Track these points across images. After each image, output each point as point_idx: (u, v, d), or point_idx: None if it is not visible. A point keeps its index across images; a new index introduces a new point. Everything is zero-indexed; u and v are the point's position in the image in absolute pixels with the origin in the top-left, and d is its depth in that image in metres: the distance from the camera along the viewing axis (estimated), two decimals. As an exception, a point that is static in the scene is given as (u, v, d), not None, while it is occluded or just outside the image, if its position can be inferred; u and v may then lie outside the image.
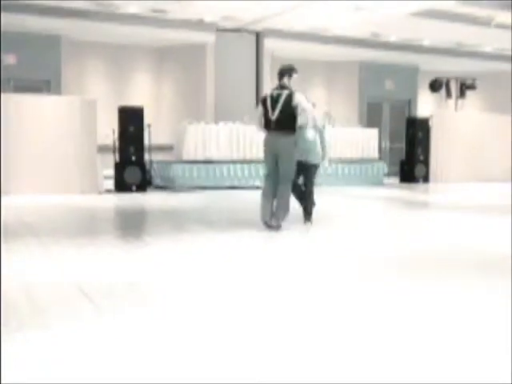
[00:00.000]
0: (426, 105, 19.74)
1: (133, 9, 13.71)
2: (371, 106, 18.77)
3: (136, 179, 12.07)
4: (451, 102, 17.83)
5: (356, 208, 10.04)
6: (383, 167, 15.07)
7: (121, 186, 11.98)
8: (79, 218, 8.46)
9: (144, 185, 12.22)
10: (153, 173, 13.17)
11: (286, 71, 6.92)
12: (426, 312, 3.59)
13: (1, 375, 2.50)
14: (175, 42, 15.72)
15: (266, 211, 6.92)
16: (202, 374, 2.62)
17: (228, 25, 15.29)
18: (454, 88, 17.46)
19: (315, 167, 7.48)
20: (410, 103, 19.44)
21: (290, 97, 6.78)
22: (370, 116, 18.59)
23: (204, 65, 15.68)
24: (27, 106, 11.03)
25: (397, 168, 16.42)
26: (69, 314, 3.50)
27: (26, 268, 4.76)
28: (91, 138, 11.49)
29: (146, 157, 12.54)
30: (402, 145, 16.77)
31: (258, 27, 15.61)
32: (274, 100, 6.83)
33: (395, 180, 15.97)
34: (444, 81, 17.20)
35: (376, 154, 15.20)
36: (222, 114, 15.03)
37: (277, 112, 6.80)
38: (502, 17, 14.15)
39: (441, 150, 15.71)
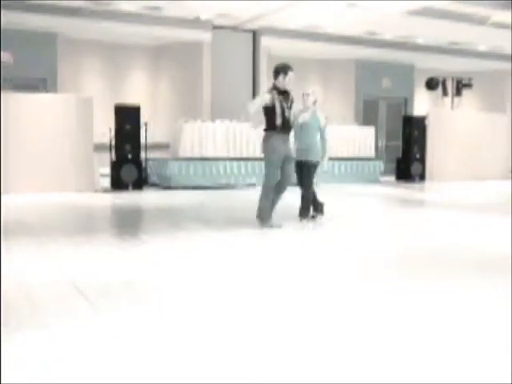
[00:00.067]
0: (422, 103, 19.77)
1: (129, 7, 13.70)
2: (367, 104, 18.79)
3: (132, 177, 12.07)
4: (447, 100, 17.86)
5: (353, 206, 10.05)
6: (379, 165, 15.11)
7: (117, 184, 11.98)
8: (76, 216, 8.45)
9: (140, 183, 12.22)
10: (149, 171, 13.18)
11: (281, 69, 6.92)
12: (426, 312, 3.59)
13: (1, 375, 2.51)
14: (171, 40, 15.71)
15: (268, 212, 6.98)
16: (200, 373, 2.63)
17: (224, 23, 15.28)
18: (451, 86, 17.48)
19: (314, 167, 7.50)
20: (407, 101, 19.47)
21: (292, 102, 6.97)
22: (367, 114, 18.61)
23: (200, 63, 15.66)
24: (23, 104, 11.02)
25: (393, 166, 16.47)
26: (66, 312, 3.50)
27: (22, 267, 4.75)
28: (87, 136, 11.49)
29: (143, 155, 12.53)
30: (399, 143, 16.82)
31: (255, 25, 15.61)
32: (289, 103, 6.92)
33: (391, 178, 16.00)
34: (440, 79, 17.23)
35: (372, 152, 15.23)
36: (218, 112, 15.03)
37: (287, 114, 6.88)
38: (498, 15, 14.18)
39: (437, 149, 15.74)
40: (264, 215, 6.96)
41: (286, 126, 6.89)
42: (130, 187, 11.99)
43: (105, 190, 11.76)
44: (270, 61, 15.53)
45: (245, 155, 13.27)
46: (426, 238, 6.49)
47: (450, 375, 2.61)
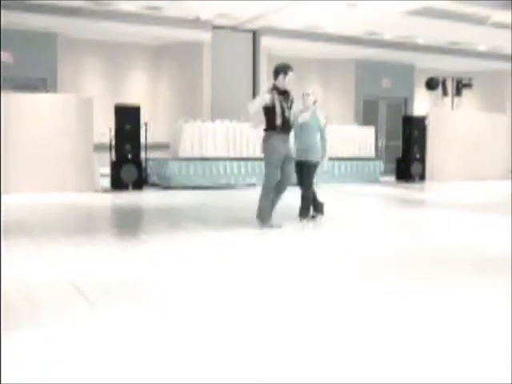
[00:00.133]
0: (422, 103, 19.77)
1: (129, 7, 13.70)
2: (367, 104, 18.79)
3: (132, 177, 12.07)
4: (447, 100, 17.86)
5: (353, 206, 10.05)
6: (379, 165, 15.11)
7: (117, 184, 11.98)
8: (75, 216, 8.45)
9: (140, 183, 12.22)
10: (149, 171, 13.18)
11: (281, 69, 6.92)
12: (426, 312, 3.59)
13: (0, 375, 2.51)
14: (171, 40, 15.71)
15: (268, 212, 7.00)
16: (199, 373, 2.63)
17: (224, 23, 15.29)
18: (451, 86, 17.48)
19: (314, 167, 7.51)
20: (407, 101, 19.47)
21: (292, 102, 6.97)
22: (367, 114, 18.61)
23: (200, 63, 15.66)
24: (23, 104, 11.02)
25: (393, 166, 16.47)
26: (65, 312, 3.50)
27: (22, 266, 4.76)
28: (87, 136, 11.49)
29: (143, 155, 12.53)
30: (399, 143, 16.81)
31: (255, 25, 15.61)
32: (289, 103, 6.93)
33: (391, 178, 16.00)
34: (440, 79, 17.22)
35: (372, 152, 15.23)
36: (218, 112, 15.03)
37: (287, 114, 6.90)
38: (498, 15, 14.18)
39: (437, 149, 15.74)
40: (264, 215, 6.96)
41: (286, 126, 6.88)
42: (130, 187, 11.99)
43: (105, 190, 11.76)
44: (270, 61, 15.53)
45: (245, 155, 13.27)
46: (426, 238, 6.48)
47: (450, 375, 2.61)
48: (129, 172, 12.05)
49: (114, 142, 12.15)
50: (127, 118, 12.08)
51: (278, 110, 6.79)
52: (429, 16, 14.20)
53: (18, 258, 5.12)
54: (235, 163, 13.10)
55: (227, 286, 4.23)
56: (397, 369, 2.68)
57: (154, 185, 12.99)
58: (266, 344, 2.99)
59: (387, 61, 18.51)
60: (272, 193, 6.96)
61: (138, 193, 11.67)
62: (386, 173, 15.83)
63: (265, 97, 6.90)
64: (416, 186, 14.56)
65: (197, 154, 12.93)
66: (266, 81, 15.26)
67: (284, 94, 6.89)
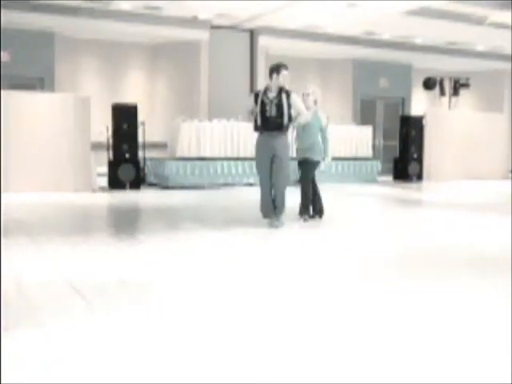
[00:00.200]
0: (419, 103, 19.78)
1: (126, 6, 13.68)
2: (365, 103, 18.78)
3: (130, 177, 12.06)
4: (445, 100, 17.87)
5: (351, 206, 10.06)
6: (377, 165, 15.11)
7: (114, 183, 11.96)
8: (73, 215, 8.44)
9: (138, 182, 12.20)
10: (146, 170, 13.16)
11: (274, 69, 7.01)
12: (426, 312, 3.59)
13: (0, 375, 2.50)
14: (169, 39, 15.69)
15: (264, 209, 7.08)
16: (198, 373, 2.62)
17: (222, 22, 15.27)
18: (448, 86, 17.49)
19: (314, 164, 7.53)
20: (404, 101, 19.47)
21: (288, 96, 6.94)
22: (364, 114, 18.62)
23: (198, 62, 15.65)
24: (20, 104, 10.99)
25: (390, 166, 16.47)
26: (62, 312, 3.49)
27: (19, 266, 4.74)
28: (85, 136, 11.46)
29: (140, 154, 12.52)
30: (396, 143, 16.82)
31: (252, 25, 15.60)
32: (274, 103, 6.92)
33: (388, 178, 16.01)
34: (438, 79, 17.23)
35: (370, 152, 15.24)
36: (215, 112, 15.01)
37: (269, 113, 6.93)
38: (496, 15, 14.19)
39: (434, 148, 15.75)
40: (262, 211, 7.11)
41: (270, 125, 6.93)
42: (128, 187, 11.98)
43: (102, 190, 11.74)
44: (267, 60, 15.52)
45: (242, 155, 13.27)
46: (425, 238, 6.48)
47: (450, 375, 2.60)
48: (126, 171, 12.03)
49: (111, 142, 12.13)
50: (125, 118, 12.06)
51: (258, 111, 6.94)
52: (427, 16, 14.20)
53: (16, 257, 5.10)
54: (233, 163, 13.09)
55: (226, 285, 4.22)
56: (397, 369, 2.68)
57: (152, 184, 12.98)
58: (265, 344, 2.99)
59: (385, 61, 18.51)
60: (265, 192, 7.07)
61: (136, 192, 11.65)
62: (383, 172, 15.83)
63: (248, 104, 7.16)
64: (413, 185, 14.56)
65: (194, 154, 12.92)
66: (263, 81, 15.24)
67: (279, 92, 6.91)
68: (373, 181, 14.85)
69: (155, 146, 13.99)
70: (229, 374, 2.59)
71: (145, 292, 4.01)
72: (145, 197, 11.06)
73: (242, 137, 13.26)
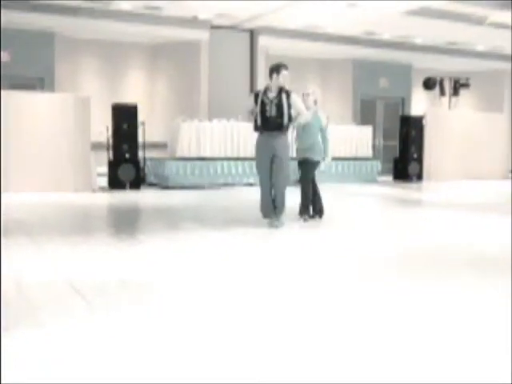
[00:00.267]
0: (419, 103, 19.78)
1: (127, 6, 13.67)
2: (365, 103, 18.78)
3: (130, 177, 12.05)
4: (445, 100, 17.86)
5: (351, 206, 10.06)
6: (377, 165, 15.11)
7: (114, 183, 11.96)
8: (73, 215, 8.43)
9: (138, 182, 12.20)
10: (146, 170, 13.16)
11: (274, 69, 7.02)
12: (426, 312, 3.59)
13: (0, 375, 2.50)
14: (169, 39, 15.69)
15: (264, 209, 7.12)
16: (198, 373, 2.62)
17: (222, 22, 15.27)
18: (448, 86, 17.49)
19: (314, 164, 7.54)
20: (404, 101, 19.47)
21: (288, 96, 6.95)
22: (364, 114, 18.61)
23: (198, 62, 15.65)
24: (20, 103, 10.99)
25: (390, 166, 16.47)
26: (62, 311, 3.49)
27: (19, 266, 4.74)
28: (85, 136, 11.46)
29: (140, 154, 12.51)
30: (396, 143, 16.82)
31: (253, 25, 15.60)
32: (274, 103, 6.94)
33: (389, 178, 16.00)
34: (438, 79, 17.23)
35: (370, 152, 15.23)
36: (215, 112, 15.01)
37: (269, 114, 6.95)
38: (496, 15, 14.19)
39: (434, 148, 15.75)
40: (262, 212, 7.15)
41: (269, 125, 6.94)
42: (128, 187, 11.98)
43: (102, 190, 11.74)
44: (267, 60, 15.52)
45: (242, 155, 13.27)
46: (426, 238, 6.48)
47: (450, 375, 2.60)
48: (126, 171, 12.03)
49: (111, 142, 12.13)
50: (125, 118, 12.06)
51: (258, 110, 6.96)
52: (427, 16, 14.20)
53: (16, 257, 5.10)
54: (233, 163, 13.09)
55: (226, 285, 4.22)
56: (397, 369, 2.67)
57: (152, 184, 12.98)
58: (265, 344, 2.99)
59: (385, 60, 18.51)
60: (265, 192, 7.09)
61: (136, 192, 11.65)
62: (383, 172, 15.83)
63: (248, 103, 7.19)
64: (413, 185, 14.56)
65: (194, 154, 12.92)
66: (263, 81, 15.24)
67: (279, 92, 6.92)
68: (373, 181, 14.85)
69: (155, 146, 13.99)
70: (229, 374, 2.59)
71: (145, 292, 4.01)
72: (145, 197, 11.06)
73: (242, 137, 13.26)
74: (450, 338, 3.11)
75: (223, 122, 13.40)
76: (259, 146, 7.08)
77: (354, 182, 14.30)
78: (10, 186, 10.58)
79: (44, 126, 11.15)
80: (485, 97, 20.31)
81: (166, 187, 12.38)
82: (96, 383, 2.49)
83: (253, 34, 16.16)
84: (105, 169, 12.21)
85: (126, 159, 12.06)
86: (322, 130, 7.55)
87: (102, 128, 12.30)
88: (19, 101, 10.99)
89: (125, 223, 7.99)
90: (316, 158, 7.53)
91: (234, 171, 13.07)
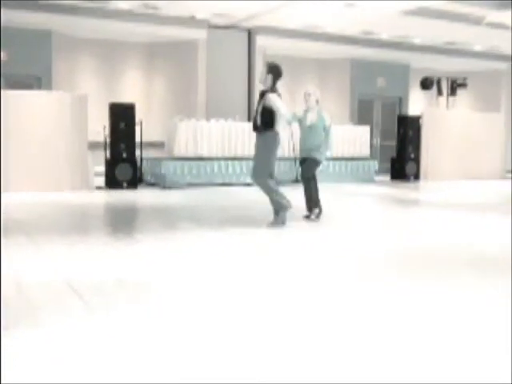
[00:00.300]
0: (417, 103, 19.79)
1: (124, 5, 13.66)
2: (362, 103, 18.79)
3: (127, 176, 12.04)
4: (442, 100, 17.89)
5: (349, 205, 10.06)
6: (374, 165, 15.12)
7: (112, 182, 11.95)
8: (70, 215, 8.42)
9: (135, 182, 12.19)
10: (144, 170, 13.15)
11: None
12: (426, 312, 3.59)
13: (0, 375, 2.49)
14: (167, 39, 15.68)
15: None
16: (196, 372, 2.62)
17: (220, 22, 15.26)
18: (445, 86, 17.51)
19: (316, 163, 7.58)
20: (401, 101, 19.48)
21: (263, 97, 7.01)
22: (361, 113, 18.62)
23: (195, 62, 15.64)
24: (17, 102, 10.96)
25: (387, 165, 16.48)
26: (60, 311, 3.49)
27: (17, 265, 4.73)
28: (82, 135, 11.45)
29: (137, 154, 12.50)
30: (393, 142, 16.82)
31: (250, 24, 15.59)
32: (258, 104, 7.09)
33: (386, 177, 16.01)
34: (435, 79, 17.24)
35: (367, 152, 15.24)
36: (213, 111, 15.01)
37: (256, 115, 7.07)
38: (493, 15, 14.20)
39: (431, 148, 15.77)
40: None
41: (254, 127, 7.06)
42: (125, 186, 11.96)
43: (99, 189, 11.73)
44: (265, 60, 15.50)
45: (240, 154, 13.26)
46: (424, 238, 6.48)
47: (450, 375, 2.60)
48: (123, 171, 12.01)
49: (108, 141, 12.12)
50: (122, 117, 12.05)
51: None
52: (425, 16, 14.22)
53: (13, 256, 5.09)
54: (230, 162, 13.08)
55: (223, 285, 4.22)
56: (397, 369, 2.67)
57: (149, 184, 12.96)
58: (264, 343, 2.98)
59: (383, 60, 18.51)
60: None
61: (133, 192, 11.64)
62: (380, 172, 15.84)
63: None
64: (411, 185, 14.57)
65: (192, 153, 12.91)
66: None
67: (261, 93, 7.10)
68: (370, 180, 14.86)
69: (152, 145, 13.98)
70: (226, 374, 2.58)
71: (142, 291, 4.00)
72: (142, 196, 11.05)
73: (240, 137, 13.25)
74: (449, 337, 3.11)
75: (221, 121, 13.39)
76: None
77: (351, 182, 14.30)
78: (5, 186, 10.54)
79: (41, 125, 11.13)
80: (482, 97, 20.33)
81: (164, 187, 12.37)
82: (95, 383, 2.48)
83: (250, 34, 16.16)
84: (102, 168, 12.20)
85: (124, 158, 12.05)
86: (326, 130, 7.58)
87: (100, 127, 12.28)
88: (16, 100, 10.96)
89: (122, 222, 7.98)
90: (319, 157, 7.57)
91: (231, 171, 13.07)
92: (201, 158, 12.91)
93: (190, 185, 12.51)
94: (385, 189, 13.28)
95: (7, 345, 2.87)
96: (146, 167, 13.18)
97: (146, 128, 13.38)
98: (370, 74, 18.64)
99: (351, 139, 14.89)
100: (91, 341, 2.98)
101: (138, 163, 12.58)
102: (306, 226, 7.26)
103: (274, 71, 7.00)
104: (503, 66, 19.42)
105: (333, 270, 4.82)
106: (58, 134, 11.24)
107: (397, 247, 5.87)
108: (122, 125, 12.02)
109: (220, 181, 12.95)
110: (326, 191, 11.37)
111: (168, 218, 8.19)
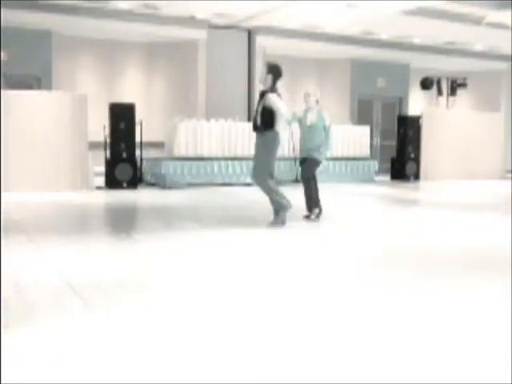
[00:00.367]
0: (416, 103, 19.79)
1: (124, 5, 13.66)
2: (362, 103, 18.78)
3: (127, 176, 12.04)
4: (442, 99, 17.88)
5: (348, 205, 10.05)
6: (374, 165, 15.12)
7: (112, 182, 11.94)
8: (70, 214, 8.42)
9: (135, 182, 12.19)
10: (144, 170, 13.14)
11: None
12: (426, 311, 3.59)
13: (1, 375, 2.49)
14: (167, 39, 15.67)
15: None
16: (194, 371, 2.62)
17: (220, 22, 15.26)
18: (445, 86, 17.50)
19: (317, 163, 7.59)
20: (401, 101, 19.48)
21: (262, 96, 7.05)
22: (361, 113, 18.61)
23: (195, 61, 15.63)
24: (17, 103, 10.96)
25: (387, 165, 16.47)
26: (60, 311, 3.49)
27: (17, 265, 4.73)
28: (82, 135, 11.45)
29: (137, 153, 12.50)
30: (393, 142, 16.81)
31: (250, 24, 15.59)
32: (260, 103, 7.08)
33: (386, 177, 16.00)
34: (435, 79, 17.24)
35: (367, 152, 15.23)
36: (213, 111, 15.01)
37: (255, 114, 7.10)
38: (493, 15, 14.20)
39: (431, 148, 15.77)
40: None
41: (254, 127, 7.11)
42: (125, 186, 11.96)
43: (99, 189, 11.72)
44: (265, 60, 15.50)
45: (240, 154, 13.26)
46: (424, 238, 6.48)
47: (450, 375, 2.60)
48: (123, 171, 12.01)
49: (108, 141, 12.12)
50: (122, 117, 12.04)
51: None
52: (425, 16, 14.22)
53: (12, 256, 5.09)
54: (230, 162, 13.08)
55: (223, 285, 4.22)
56: (396, 369, 2.67)
57: (149, 184, 12.96)
58: (264, 343, 2.98)
59: (383, 60, 18.51)
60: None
61: (133, 191, 11.64)
62: (380, 172, 15.83)
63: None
64: (411, 185, 14.57)
65: (192, 153, 12.91)
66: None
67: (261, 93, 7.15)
68: (370, 180, 14.85)
69: (152, 145, 13.97)
70: (226, 374, 2.58)
71: (142, 291, 4.00)
72: (142, 196, 11.05)
73: (240, 137, 13.25)
74: (449, 337, 3.11)
75: (221, 121, 13.39)
76: None
77: (351, 182, 14.30)
78: (5, 185, 10.54)
79: (41, 125, 11.12)
80: (482, 97, 20.33)
81: (164, 186, 12.37)
82: (94, 383, 2.48)
83: (250, 34, 16.15)
84: (102, 168, 12.20)
85: (124, 158, 12.05)
86: (326, 130, 7.59)
87: (99, 127, 12.27)
88: (16, 100, 10.96)
89: (122, 222, 7.98)
90: (319, 157, 7.57)
91: (231, 171, 13.06)
92: (201, 158, 12.91)
93: (190, 185, 12.51)
94: (385, 189, 13.27)
95: (6, 344, 2.87)
96: (146, 167, 13.17)
97: (146, 128, 13.38)
98: (370, 74, 18.64)
99: (351, 139, 14.89)
100: (90, 340, 2.98)
101: (138, 163, 12.58)
102: (305, 226, 7.26)
103: (274, 71, 6.99)
104: (503, 65, 19.42)
105: (332, 269, 4.82)
106: (58, 134, 11.24)
107: (396, 247, 5.87)
108: (122, 125, 12.02)
109: (220, 181, 12.95)
110: (326, 191, 11.36)
111: (168, 218, 8.19)
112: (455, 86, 17.50)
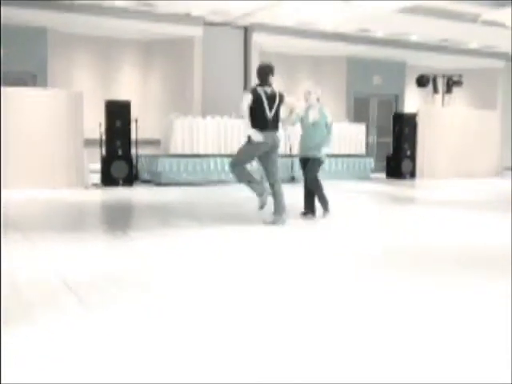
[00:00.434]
0: (412, 100, 19.80)
1: (120, 2, 13.62)
2: (358, 101, 18.79)
3: (123, 173, 12.02)
4: (438, 97, 17.90)
5: (345, 203, 10.04)
6: (370, 162, 15.13)
7: (107, 180, 11.93)
8: (66, 212, 8.40)
9: (131, 179, 12.17)
10: (140, 167, 13.12)
11: (270, 70, 7.15)
12: (425, 311, 3.58)
13: (0, 375, 2.48)
14: (163, 36, 15.63)
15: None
16: (193, 370, 2.61)
17: (216, 19, 15.24)
18: (441, 84, 17.51)
19: (319, 162, 7.60)
20: (397, 98, 19.49)
21: (281, 98, 7.14)
22: (357, 111, 18.62)
23: (191, 59, 15.61)
24: (12, 99, 10.92)
25: (383, 163, 16.47)
26: (56, 309, 3.48)
27: (12, 263, 4.72)
28: (77, 132, 11.42)
29: (133, 151, 12.48)
30: (389, 140, 16.83)
31: (246, 22, 15.57)
32: (272, 99, 7.04)
33: (382, 175, 16.01)
34: (431, 76, 17.25)
35: (363, 149, 15.25)
36: (209, 108, 14.99)
37: (273, 111, 7.09)
38: (489, 13, 14.22)
39: (427, 146, 15.78)
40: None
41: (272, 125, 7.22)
42: (121, 183, 11.94)
43: (95, 186, 11.71)
44: (261, 57, 15.49)
45: (236, 151, 13.22)
46: (421, 236, 6.47)
47: (450, 375, 2.60)
48: (119, 168, 11.99)
49: (104, 138, 12.09)
50: (118, 114, 12.02)
51: None
52: (421, 14, 14.23)
53: (8, 254, 5.07)
54: (226, 159, 13.05)
55: (220, 282, 4.22)
56: (396, 369, 2.67)
57: (145, 181, 12.94)
58: (263, 342, 2.98)
59: (379, 58, 18.51)
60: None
61: (129, 189, 11.62)
62: (376, 170, 15.83)
63: (249, 100, 7.26)
64: (407, 183, 14.58)
65: (188, 151, 12.90)
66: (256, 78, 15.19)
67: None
68: (366, 178, 14.87)
69: (148, 142, 13.95)
70: (228, 373, 2.58)
71: (138, 289, 3.99)
72: (138, 194, 11.03)
73: (236, 134, 13.25)
74: (449, 337, 3.10)
75: (217, 118, 13.39)
76: None
77: (347, 179, 14.31)
78: (2, 183, 10.51)
79: (36, 122, 11.09)
80: (478, 94, 20.36)
81: (159, 184, 12.36)
82: (93, 383, 2.47)
83: (246, 31, 16.13)
84: (98, 165, 12.18)
85: (119, 156, 12.03)
86: (328, 127, 7.60)
87: (95, 125, 12.25)
88: (11, 97, 10.92)
89: (118, 220, 7.97)
90: (319, 155, 7.57)
91: (227, 168, 13.02)
92: (197, 155, 12.90)
93: (186, 182, 12.50)
94: (381, 186, 13.28)
95: (6, 343, 2.86)
96: (141, 164, 13.15)
97: (142, 125, 13.36)
98: (366, 72, 18.64)
99: (347, 137, 14.90)
100: (87, 338, 2.98)
101: (134, 160, 12.56)
102: (302, 224, 7.26)
103: (257, 71, 7.24)
104: (499, 63, 19.45)
105: (330, 267, 4.82)
106: (54, 132, 11.21)
107: (394, 245, 5.86)
108: (118, 122, 12.00)
109: (216, 178, 12.94)
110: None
111: (164, 216, 8.18)
112: (451, 84, 17.51)
